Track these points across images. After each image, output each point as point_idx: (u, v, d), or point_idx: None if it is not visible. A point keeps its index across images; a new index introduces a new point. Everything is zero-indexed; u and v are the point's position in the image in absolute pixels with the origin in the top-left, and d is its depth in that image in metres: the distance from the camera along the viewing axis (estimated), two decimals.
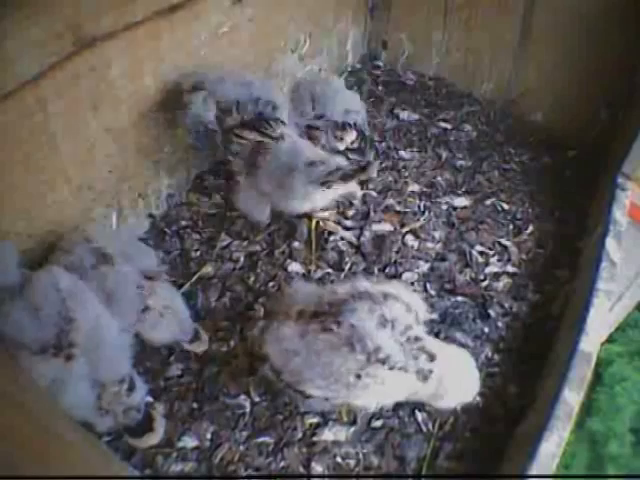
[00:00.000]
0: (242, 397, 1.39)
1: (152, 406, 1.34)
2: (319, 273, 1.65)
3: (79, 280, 1.24)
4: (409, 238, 1.76)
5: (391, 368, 1.12)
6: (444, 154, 2.05)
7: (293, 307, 1.23)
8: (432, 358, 1.16)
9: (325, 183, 1.47)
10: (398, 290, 1.23)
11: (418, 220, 1.81)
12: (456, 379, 1.21)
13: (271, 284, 1.62)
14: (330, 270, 1.66)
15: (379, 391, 1.16)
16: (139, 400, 1.25)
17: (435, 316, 1.56)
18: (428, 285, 1.64)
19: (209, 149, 1.65)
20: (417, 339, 1.16)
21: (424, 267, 1.68)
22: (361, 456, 1.32)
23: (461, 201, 1.88)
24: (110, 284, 1.29)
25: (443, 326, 1.54)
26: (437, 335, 1.50)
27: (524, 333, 1.55)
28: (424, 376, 1.15)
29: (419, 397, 1.22)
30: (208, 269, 1.65)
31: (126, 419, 1.24)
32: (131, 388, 1.22)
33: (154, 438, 1.29)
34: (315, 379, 1.18)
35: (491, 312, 1.58)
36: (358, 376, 1.13)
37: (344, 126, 1.69)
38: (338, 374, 1.14)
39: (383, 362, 1.12)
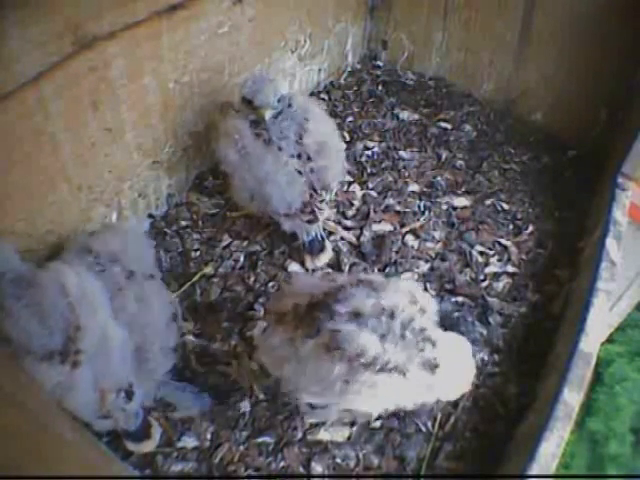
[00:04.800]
0: (242, 397, 1.39)
1: (150, 412, 1.34)
2: (318, 273, 1.65)
3: (89, 278, 1.22)
4: (409, 238, 1.76)
5: (379, 371, 1.06)
6: (444, 154, 2.05)
7: (290, 300, 1.19)
8: (437, 349, 1.10)
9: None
10: (403, 283, 1.17)
11: (418, 220, 1.81)
12: (459, 370, 1.17)
13: (271, 284, 1.62)
14: (330, 270, 1.66)
15: (375, 394, 1.10)
16: (137, 407, 1.26)
17: (434, 317, 1.56)
18: (428, 285, 1.64)
19: None
20: (422, 330, 1.10)
21: (424, 267, 1.68)
22: (361, 456, 1.32)
23: (461, 201, 1.88)
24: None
25: (442, 327, 1.53)
26: None
27: (524, 333, 1.55)
28: (431, 366, 1.09)
29: (433, 395, 1.17)
30: (209, 269, 1.65)
31: (126, 425, 1.25)
32: (129, 397, 1.22)
33: (151, 445, 1.30)
34: (309, 386, 1.15)
35: (491, 312, 1.58)
36: (346, 382, 1.09)
37: None
38: (327, 381, 1.10)
39: (368, 366, 1.06)
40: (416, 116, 2.20)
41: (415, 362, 1.09)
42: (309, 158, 1.55)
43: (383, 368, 1.07)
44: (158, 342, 1.31)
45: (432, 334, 1.12)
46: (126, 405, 1.22)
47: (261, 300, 1.57)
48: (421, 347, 1.09)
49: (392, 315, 1.08)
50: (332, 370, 1.08)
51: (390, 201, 1.86)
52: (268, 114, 1.51)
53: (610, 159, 1.89)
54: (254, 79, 1.55)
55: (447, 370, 1.12)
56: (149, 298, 1.31)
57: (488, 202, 1.89)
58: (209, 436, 1.33)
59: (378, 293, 1.10)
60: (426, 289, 1.63)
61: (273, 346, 1.17)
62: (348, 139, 2.09)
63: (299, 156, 1.55)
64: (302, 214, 1.57)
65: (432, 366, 1.10)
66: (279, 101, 1.54)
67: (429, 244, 1.75)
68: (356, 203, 1.86)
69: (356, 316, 1.08)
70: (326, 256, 1.67)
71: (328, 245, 1.68)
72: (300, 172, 1.54)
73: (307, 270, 1.66)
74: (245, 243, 1.73)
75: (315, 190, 1.57)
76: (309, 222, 1.59)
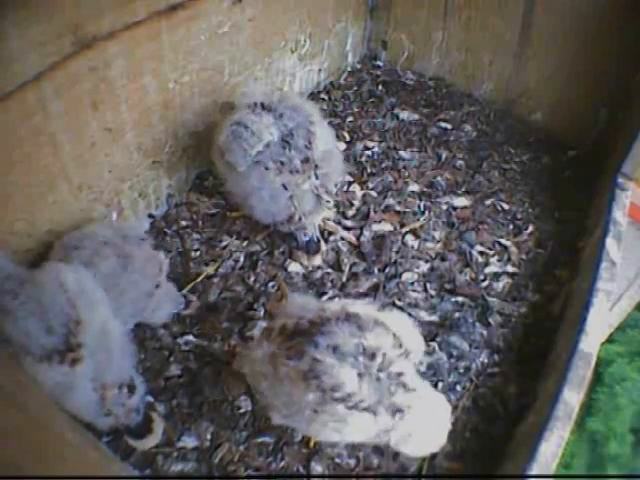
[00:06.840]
0: (242, 397, 1.39)
1: (152, 407, 1.35)
2: (319, 273, 1.65)
3: (86, 275, 1.22)
4: (409, 238, 1.76)
5: (351, 408, 1.05)
6: (444, 154, 2.05)
7: (279, 320, 1.19)
8: (409, 396, 1.08)
9: None
10: (394, 322, 1.14)
11: (418, 220, 1.81)
12: (428, 426, 1.13)
13: (271, 284, 1.62)
14: (330, 270, 1.67)
15: (341, 429, 1.09)
16: (138, 402, 1.26)
17: (435, 318, 1.56)
18: (428, 285, 1.64)
19: None
20: (398, 375, 1.08)
21: (424, 267, 1.68)
22: (361, 456, 1.32)
23: (461, 201, 1.88)
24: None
25: (442, 328, 1.54)
26: (435, 337, 1.50)
27: (524, 333, 1.55)
28: (393, 410, 1.07)
29: (388, 438, 1.13)
30: (210, 270, 1.65)
31: (126, 420, 1.25)
32: (131, 391, 1.23)
33: (153, 440, 1.30)
34: (280, 407, 1.15)
35: (491, 312, 1.58)
36: (315, 411, 1.08)
37: None
38: (298, 406, 1.10)
39: (340, 401, 1.05)
40: (416, 116, 2.21)
41: (384, 404, 1.07)
42: (317, 166, 1.57)
43: (355, 406, 1.05)
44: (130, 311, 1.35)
45: (409, 381, 1.09)
46: (127, 400, 1.22)
47: (261, 300, 1.57)
48: (393, 390, 1.07)
49: (372, 357, 1.07)
50: (305, 397, 1.07)
51: (390, 201, 1.86)
52: (240, 168, 1.53)
53: (610, 159, 1.89)
54: (230, 133, 1.51)
55: (412, 422, 1.10)
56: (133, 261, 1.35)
57: (488, 202, 1.89)
58: (209, 436, 1.33)
59: (362, 332, 1.09)
60: (426, 289, 1.63)
61: (254, 359, 1.17)
62: (348, 139, 2.09)
63: (306, 160, 1.55)
64: (288, 224, 1.61)
65: (395, 410, 1.08)
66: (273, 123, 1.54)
67: (429, 244, 1.75)
68: (356, 203, 1.86)
69: (337, 351, 1.07)
70: (320, 257, 1.69)
71: (323, 247, 1.70)
72: (285, 187, 1.55)
73: (305, 269, 1.66)
74: (245, 243, 1.73)
75: (318, 195, 1.60)
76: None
